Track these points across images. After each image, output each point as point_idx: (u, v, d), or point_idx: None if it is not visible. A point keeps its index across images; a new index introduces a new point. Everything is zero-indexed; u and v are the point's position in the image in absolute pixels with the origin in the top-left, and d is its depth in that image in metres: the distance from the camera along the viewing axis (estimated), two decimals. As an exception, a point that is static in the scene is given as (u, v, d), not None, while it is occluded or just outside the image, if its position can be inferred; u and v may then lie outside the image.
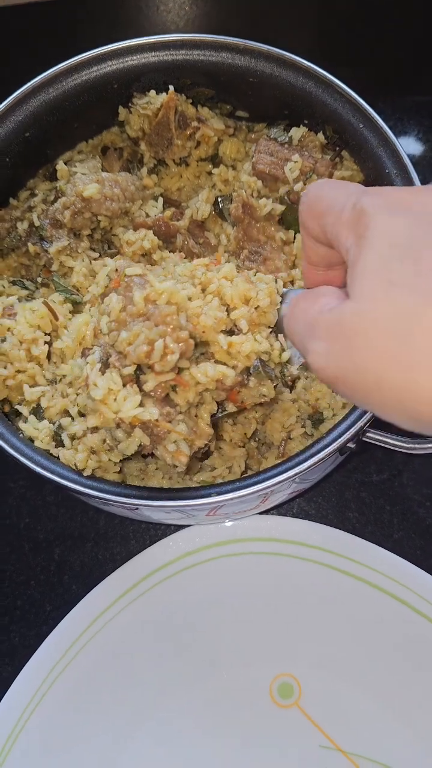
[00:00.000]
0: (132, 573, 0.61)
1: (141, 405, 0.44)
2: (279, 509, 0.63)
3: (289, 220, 0.59)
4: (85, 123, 0.61)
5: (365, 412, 0.49)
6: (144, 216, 0.59)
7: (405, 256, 0.32)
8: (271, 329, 0.49)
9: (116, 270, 0.50)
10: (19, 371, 0.53)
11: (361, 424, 0.48)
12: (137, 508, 0.52)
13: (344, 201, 0.36)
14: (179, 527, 0.61)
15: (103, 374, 0.45)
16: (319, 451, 0.48)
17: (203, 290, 0.47)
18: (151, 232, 0.58)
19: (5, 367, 0.52)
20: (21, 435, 0.51)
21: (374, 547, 0.61)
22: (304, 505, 0.65)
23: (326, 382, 0.35)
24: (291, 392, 0.56)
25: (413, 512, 0.65)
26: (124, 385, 0.45)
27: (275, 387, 0.49)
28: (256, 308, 0.48)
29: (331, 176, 0.57)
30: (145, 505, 0.48)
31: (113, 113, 0.60)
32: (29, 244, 0.58)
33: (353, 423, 0.49)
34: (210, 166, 0.62)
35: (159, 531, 0.62)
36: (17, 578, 0.64)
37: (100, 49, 0.56)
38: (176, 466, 0.47)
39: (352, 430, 0.48)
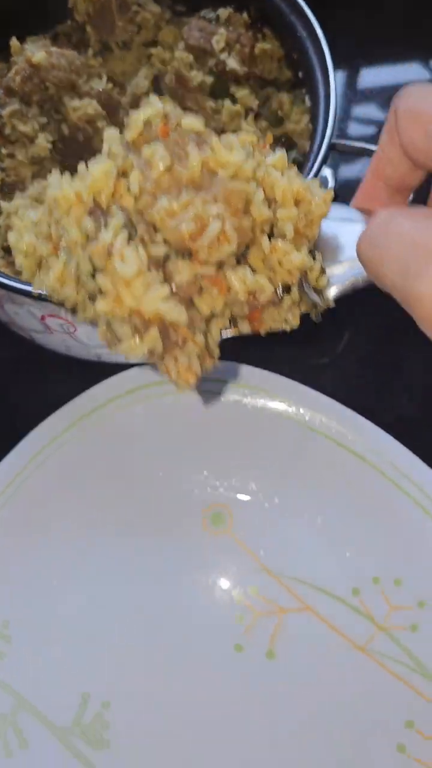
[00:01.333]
0: (71, 412, 0.65)
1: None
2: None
3: (216, 91, 0.66)
4: (38, 14, 0.68)
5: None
6: (89, 89, 0.66)
7: None
8: (310, 246, 0.40)
9: (165, 116, 0.38)
10: None
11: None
12: (68, 317, 0.58)
13: None
14: (122, 368, 0.66)
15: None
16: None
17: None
18: (95, 101, 0.65)
19: None
20: None
21: (305, 388, 0.65)
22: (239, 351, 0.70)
23: None
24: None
25: (338, 363, 0.71)
26: (148, 269, 0.35)
27: (300, 315, 0.40)
28: (305, 214, 0.39)
29: (253, 48, 0.64)
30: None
31: (64, 4, 0.68)
32: (-15, 111, 0.65)
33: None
34: (150, 49, 0.69)
35: (106, 372, 0.67)
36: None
37: None
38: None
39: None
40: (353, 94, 0.83)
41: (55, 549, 0.64)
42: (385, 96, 0.84)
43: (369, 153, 0.61)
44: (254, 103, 0.65)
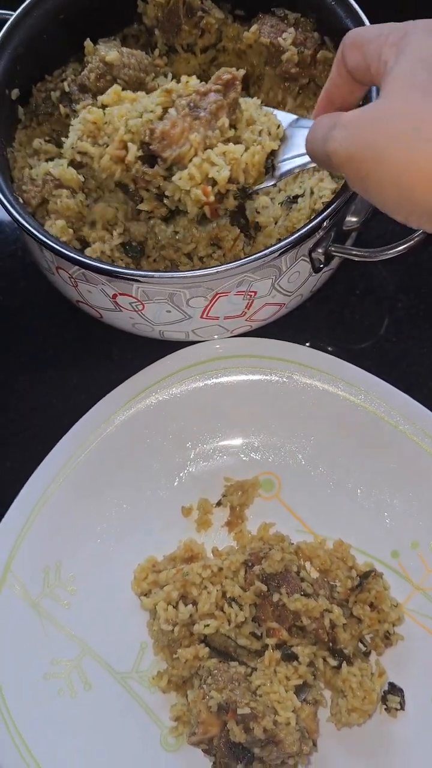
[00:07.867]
0: (133, 387, 0.71)
1: None
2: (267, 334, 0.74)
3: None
4: (109, 16, 0.73)
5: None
6: (156, 85, 0.71)
7: (430, 68, 0.41)
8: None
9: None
10: None
11: (320, 219, 0.60)
12: (138, 295, 0.63)
13: (389, 30, 0.44)
14: (182, 345, 0.71)
15: None
16: (288, 238, 0.59)
17: None
18: (162, 96, 0.70)
19: None
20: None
21: (347, 364, 0.71)
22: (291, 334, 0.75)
23: (338, 164, 0.44)
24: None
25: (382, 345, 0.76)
26: None
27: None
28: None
29: (316, 53, 0.69)
30: (143, 278, 0.59)
31: (133, 8, 0.74)
32: (60, 106, 0.71)
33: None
34: (214, 52, 0.75)
35: (158, 352, 0.73)
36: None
37: None
38: None
39: (315, 222, 0.59)
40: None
41: (114, 510, 0.69)
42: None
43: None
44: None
